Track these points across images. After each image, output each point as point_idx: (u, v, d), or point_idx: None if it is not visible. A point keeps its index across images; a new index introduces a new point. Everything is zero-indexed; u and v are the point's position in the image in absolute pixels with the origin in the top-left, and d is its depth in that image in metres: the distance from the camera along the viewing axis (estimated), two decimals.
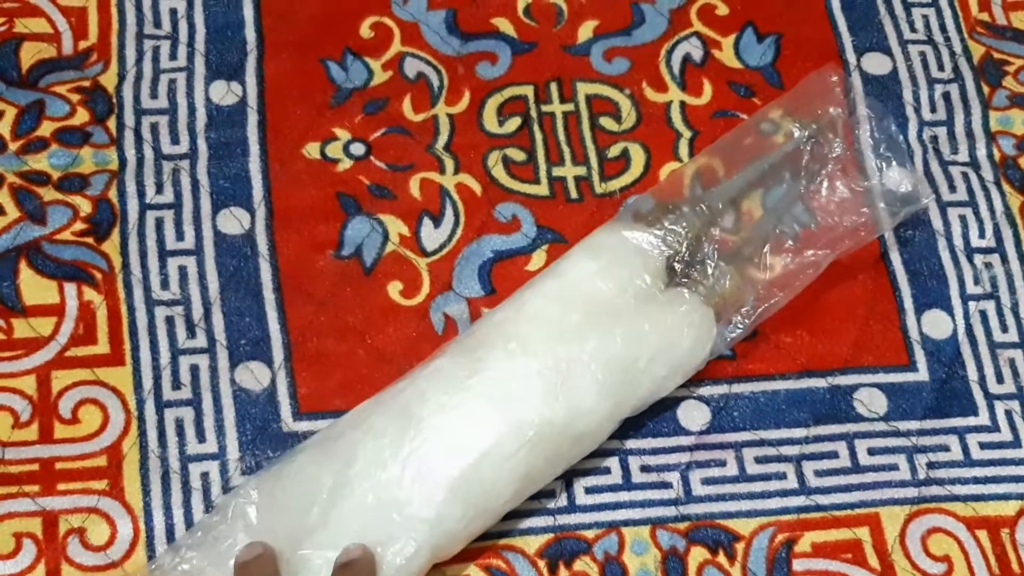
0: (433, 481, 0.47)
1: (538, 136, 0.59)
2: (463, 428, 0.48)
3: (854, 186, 0.56)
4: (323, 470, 0.47)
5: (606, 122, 0.60)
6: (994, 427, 0.56)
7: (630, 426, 0.53)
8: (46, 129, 0.56)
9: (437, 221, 0.57)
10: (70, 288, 0.53)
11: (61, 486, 0.50)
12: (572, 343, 0.49)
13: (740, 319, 0.53)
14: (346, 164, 0.58)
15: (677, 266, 0.53)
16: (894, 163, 0.57)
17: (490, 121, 0.59)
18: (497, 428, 0.48)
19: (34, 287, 0.53)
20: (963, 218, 0.60)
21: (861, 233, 0.55)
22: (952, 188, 0.60)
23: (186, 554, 0.46)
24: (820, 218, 0.56)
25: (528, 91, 0.60)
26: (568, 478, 0.52)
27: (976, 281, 0.59)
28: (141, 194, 0.56)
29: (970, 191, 0.60)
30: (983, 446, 0.55)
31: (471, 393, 0.48)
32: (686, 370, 0.52)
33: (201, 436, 0.52)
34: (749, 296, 0.53)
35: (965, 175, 0.61)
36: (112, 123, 0.57)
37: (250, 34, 0.59)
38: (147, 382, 0.52)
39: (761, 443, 0.54)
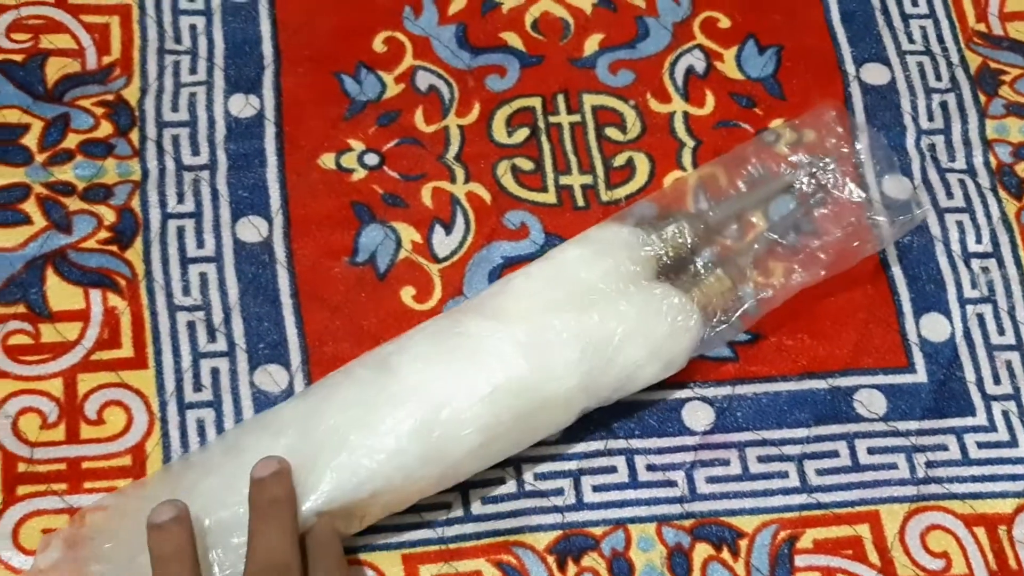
0: (397, 415, 0.48)
1: (546, 146, 0.60)
2: (432, 372, 0.49)
3: (852, 202, 0.57)
4: (296, 408, 0.50)
5: (611, 132, 0.61)
6: (991, 427, 0.56)
7: (636, 426, 0.54)
8: (71, 141, 0.57)
9: (448, 228, 0.58)
10: (95, 294, 0.54)
11: (87, 484, 0.51)
12: (549, 313, 0.50)
13: (724, 318, 0.53)
14: (360, 174, 0.59)
15: (666, 260, 0.54)
16: (892, 183, 0.58)
17: (499, 132, 0.60)
18: (465, 374, 0.49)
19: (60, 293, 0.54)
20: (960, 224, 0.60)
21: (855, 244, 0.56)
22: (950, 195, 0.61)
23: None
24: (820, 238, 0.56)
25: (536, 103, 0.61)
26: (576, 477, 0.53)
27: (973, 285, 0.59)
28: (163, 204, 0.56)
29: (967, 198, 0.61)
30: (980, 446, 0.56)
31: (446, 346, 0.49)
32: (666, 359, 0.52)
33: None
34: (735, 297, 0.54)
35: (962, 182, 0.61)
36: (135, 135, 0.57)
37: (267, 49, 0.60)
38: (169, 384, 0.53)
39: (764, 443, 0.55)
